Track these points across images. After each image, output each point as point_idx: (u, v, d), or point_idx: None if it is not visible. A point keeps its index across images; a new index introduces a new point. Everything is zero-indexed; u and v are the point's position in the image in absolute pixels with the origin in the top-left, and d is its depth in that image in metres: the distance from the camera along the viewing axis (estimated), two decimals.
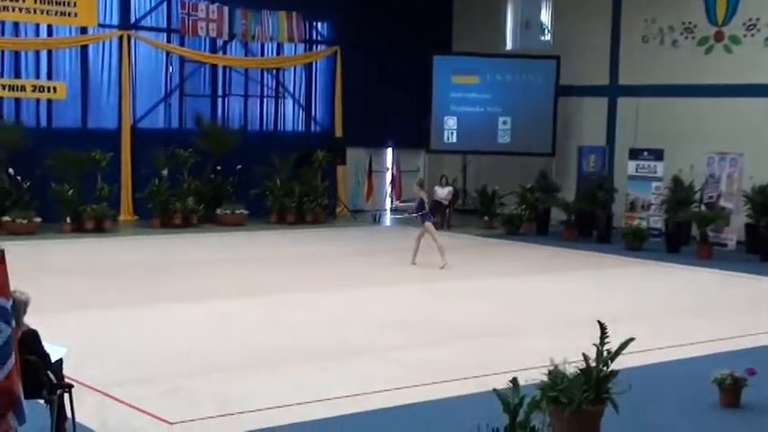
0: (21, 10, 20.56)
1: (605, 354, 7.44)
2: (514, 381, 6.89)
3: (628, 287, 15.78)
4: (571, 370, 7.42)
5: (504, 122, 24.28)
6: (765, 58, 20.70)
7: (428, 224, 17.19)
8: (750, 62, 20.89)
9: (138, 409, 8.37)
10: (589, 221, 21.58)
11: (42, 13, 20.83)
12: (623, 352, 7.57)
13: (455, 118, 24.33)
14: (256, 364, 10.00)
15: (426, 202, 17.42)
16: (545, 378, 7.40)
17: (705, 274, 17.19)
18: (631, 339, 7.70)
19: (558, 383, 7.30)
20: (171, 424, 8.02)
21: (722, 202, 20.10)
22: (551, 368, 7.48)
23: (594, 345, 7.49)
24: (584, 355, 7.50)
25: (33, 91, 21.06)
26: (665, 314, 13.38)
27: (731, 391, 8.78)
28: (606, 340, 7.47)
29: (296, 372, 9.73)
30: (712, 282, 16.53)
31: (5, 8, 20.38)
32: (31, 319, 7.31)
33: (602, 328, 7.52)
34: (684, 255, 19.28)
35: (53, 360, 7.31)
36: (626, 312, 13.18)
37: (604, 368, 7.42)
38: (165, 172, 21.80)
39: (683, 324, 12.71)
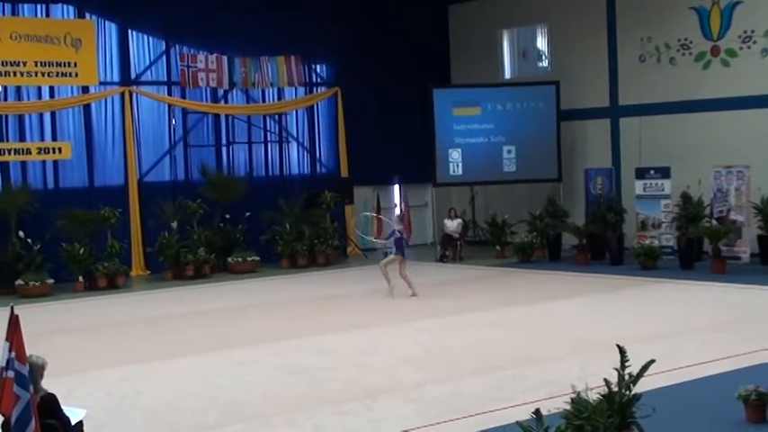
0: (22, 74, 20.80)
1: (627, 377, 7.41)
2: (537, 412, 6.86)
3: (644, 307, 15.70)
4: (594, 396, 7.38)
5: (509, 151, 24.23)
6: (763, 69, 20.72)
7: (392, 256, 17.88)
8: (748, 74, 20.91)
9: None
10: (601, 244, 21.54)
11: (44, 75, 21.04)
12: (644, 374, 7.53)
13: (459, 150, 24.31)
14: (276, 412, 9.94)
15: (403, 236, 17.93)
16: (568, 407, 7.36)
17: (721, 289, 17.09)
18: (652, 361, 7.67)
19: (581, 411, 7.25)
20: None
21: (732, 216, 20.06)
22: (574, 396, 7.44)
23: (615, 369, 7.45)
24: (605, 380, 7.45)
25: (39, 153, 21.19)
26: (684, 332, 13.28)
27: (757, 407, 8.69)
28: (626, 363, 7.44)
29: (316, 416, 9.67)
30: (729, 296, 16.43)
31: (7, 73, 20.61)
32: (48, 382, 7.29)
33: (622, 351, 7.49)
34: (699, 271, 19.20)
35: (73, 423, 7.29)
36: (644, 333, 13.12)
37: (627, 392, 7.38)
38: (174, 224, 21.86)
39: (702, 341, 12.62)
